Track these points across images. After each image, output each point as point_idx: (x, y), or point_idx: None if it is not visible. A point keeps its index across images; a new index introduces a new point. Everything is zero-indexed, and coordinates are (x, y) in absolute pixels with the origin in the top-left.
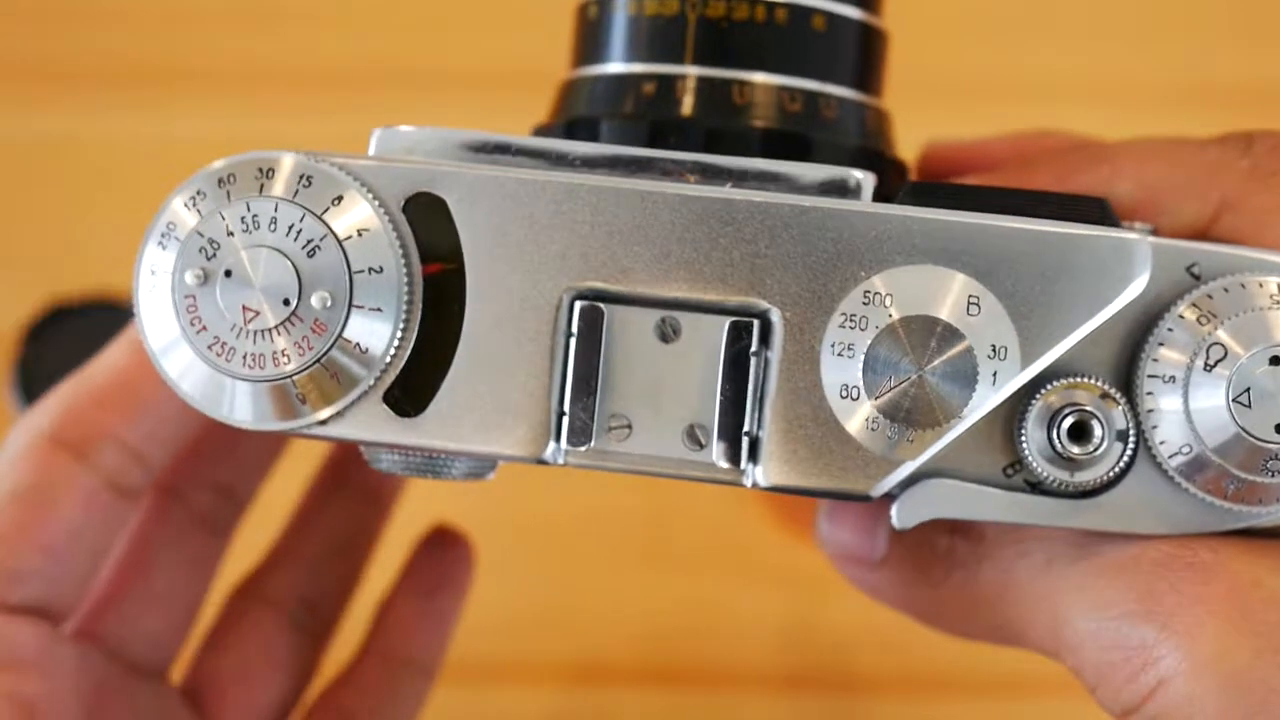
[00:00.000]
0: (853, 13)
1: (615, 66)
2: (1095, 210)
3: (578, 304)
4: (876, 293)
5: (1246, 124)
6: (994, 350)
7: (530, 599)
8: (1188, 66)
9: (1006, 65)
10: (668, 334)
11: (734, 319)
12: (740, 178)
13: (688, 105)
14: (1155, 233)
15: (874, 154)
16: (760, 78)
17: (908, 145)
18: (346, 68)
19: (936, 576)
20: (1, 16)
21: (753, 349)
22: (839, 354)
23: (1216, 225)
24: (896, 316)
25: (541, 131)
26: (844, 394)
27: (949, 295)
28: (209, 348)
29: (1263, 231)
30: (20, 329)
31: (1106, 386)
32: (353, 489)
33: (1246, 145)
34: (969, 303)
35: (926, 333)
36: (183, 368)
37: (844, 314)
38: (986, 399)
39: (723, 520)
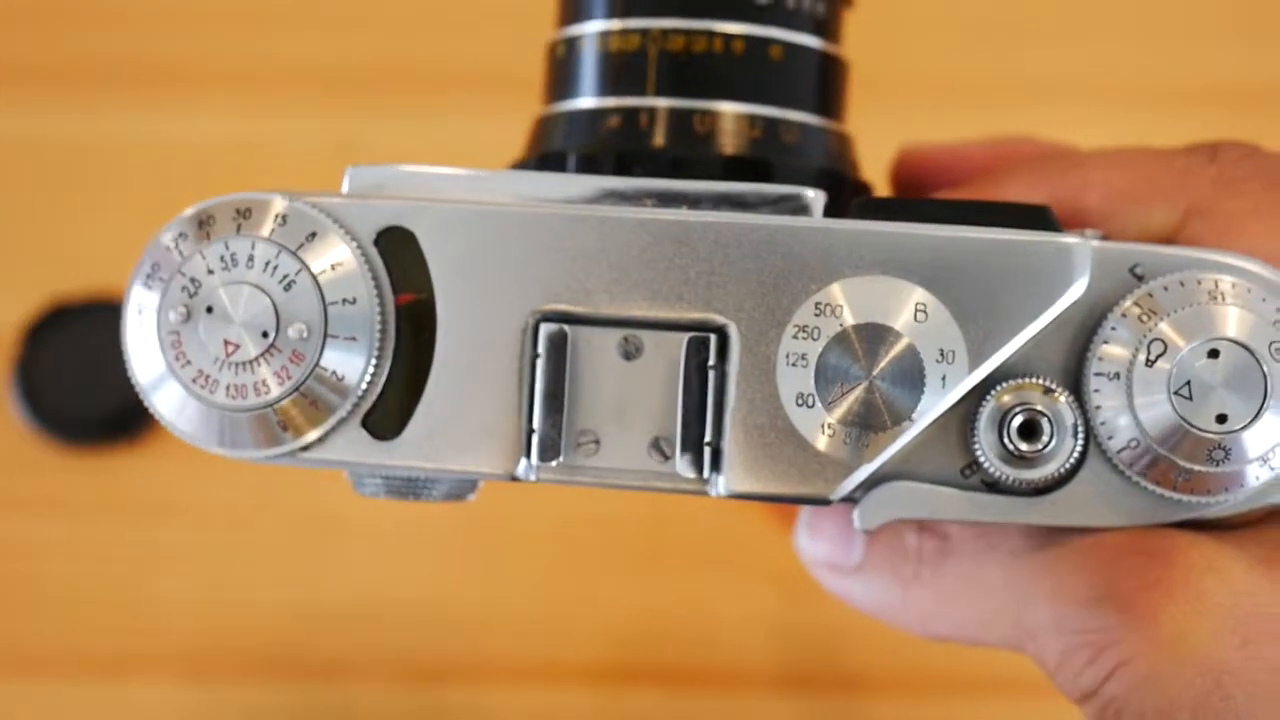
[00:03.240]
0: (810, 41)
1: (582, 102)
2: (1038, 218)
3: (543, 326)
4: (827, 304)
5: (1245, 124)
6: (942, 354)
7: (527, 600)
8: (1188, 66)
9: (1004, 65)
10: (630, 352)
11: (692, 335)
12: (696, 201)
13: (651, 136)
14: (1105, 238)
15: (835, 176)
16: (721, 107)
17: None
18: (346, 68)
19: (906, 576)
20: (1, 16)
21: (711, 363)
22: (793, 364)
23: (1184, 231)
24: (846, 325)
25: (517, 166)
26: (800, 402)
27: (897, 303)
28: (193, 381)
29: (1229, 236)
30: (20, 329)
31: (1052, 385)
32: None
33: (1213, 154)
34: (916, 309)
35: (875, 339)
36: (169, 401)
37: (797, 325)
38: (936, 402)
39: (720, 520)
